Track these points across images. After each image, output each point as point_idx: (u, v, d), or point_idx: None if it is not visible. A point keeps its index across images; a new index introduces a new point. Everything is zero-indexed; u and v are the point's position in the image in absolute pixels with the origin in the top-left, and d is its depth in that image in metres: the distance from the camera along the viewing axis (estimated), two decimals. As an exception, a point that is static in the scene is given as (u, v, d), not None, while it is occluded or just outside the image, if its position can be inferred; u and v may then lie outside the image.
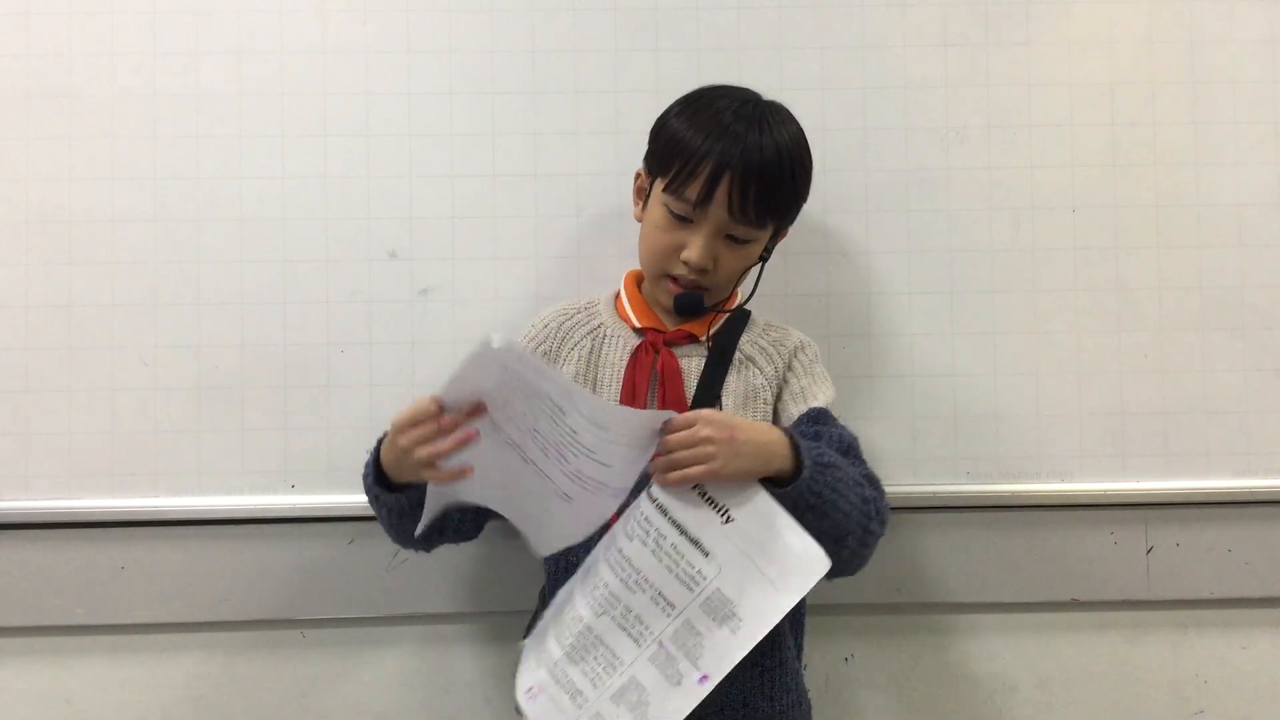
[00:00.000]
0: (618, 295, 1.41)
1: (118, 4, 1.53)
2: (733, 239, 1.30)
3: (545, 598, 1.34)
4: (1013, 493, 1.54)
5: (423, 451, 1.10)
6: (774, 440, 1.16)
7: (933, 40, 1.56)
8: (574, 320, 1.39)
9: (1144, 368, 1.56)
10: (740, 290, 1.40)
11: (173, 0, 1.53)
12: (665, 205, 1.30)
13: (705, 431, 1.12)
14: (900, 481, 1.54)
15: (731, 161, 1.25)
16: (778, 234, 1.37)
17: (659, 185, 1.31)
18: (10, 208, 1.52)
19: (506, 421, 1.08)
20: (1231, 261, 1.56)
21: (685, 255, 1.29)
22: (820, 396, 1.35)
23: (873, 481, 1.26)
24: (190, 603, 1.51)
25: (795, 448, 1.16)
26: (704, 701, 1.24)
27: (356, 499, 1.50)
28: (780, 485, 1.14)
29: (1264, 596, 1.56)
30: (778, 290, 1.55)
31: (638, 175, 1.38)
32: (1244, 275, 1.56)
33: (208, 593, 1.51)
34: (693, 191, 1.27)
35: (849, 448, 1.29)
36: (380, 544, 1.51)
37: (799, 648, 1.37)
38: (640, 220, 1.37)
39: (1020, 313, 1.56)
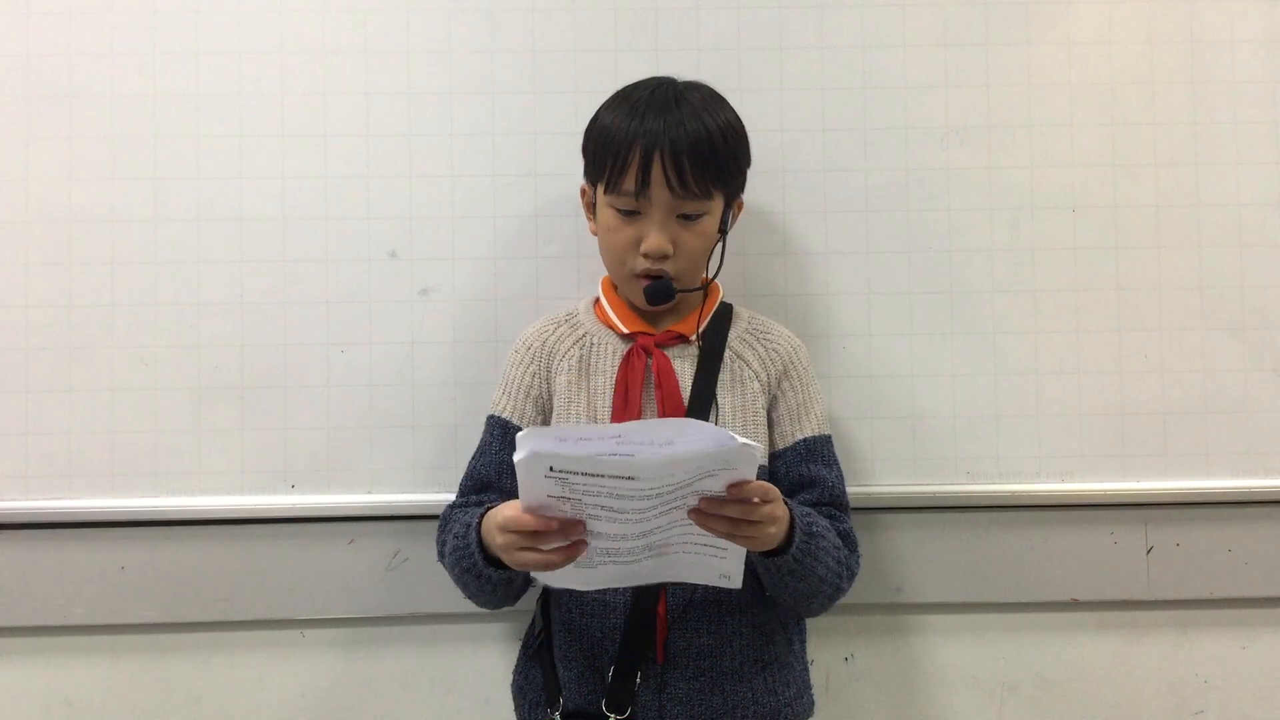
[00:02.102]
0: (597, 302, 1.40)
1: (118, 4, 1.53)
2: (685, 218, 1.30)
3: (544, 606, 1.35)
4: (1013, 493, 1.54)
5: (529, 557, 1.10)
6: (786, 521, 1.18)
7: (933, 40, 1.56)
8: (557, 334, 1.38)
9: (1144, 368, 1.56)
10: (705, 275, 1.38)
11: (173, 0, 1.53)
12: (610, 206, 1.31)
13: (779, 511, 1.13)
14: (900, 481, 1.54)
15: (658, 141, 1.26)
16: (730, 205, 1.35)
17: (600, 190, 1.32)
18: (10, 208, 1.52)
19: (596, 514, 1.08)
20: (1231, 261, 1.56)
21: (644, 246, 1.29)
22: (815, 417, 1.36)
23: (849, 541, 1.32)
24: (190, 603, 1.51)
25: (792, 522, 1.18)
26: (708, 699, 1.25)
27: (356, 499, 1.52)
28: (769, 553, 1.18)
29: (1264, 596, 1.56)
30: (778, 290, 1.55)
31: (583, 191, 1.39)
32: (1244, 275, 1.56)
33: (208, 593, 1.51)
34: (630, 182, 1.27)
35: (837, 499, 1.34)
36: (380, 544, 1.52)
37: (802, 644, 1.38)
38: (596, 233, 1.37)
39: (1020, 313, 1.55)
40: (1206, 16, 1.57)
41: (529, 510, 1.08)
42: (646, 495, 1.05)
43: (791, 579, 1.21)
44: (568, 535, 1.09)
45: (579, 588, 1.20)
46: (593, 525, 1.09)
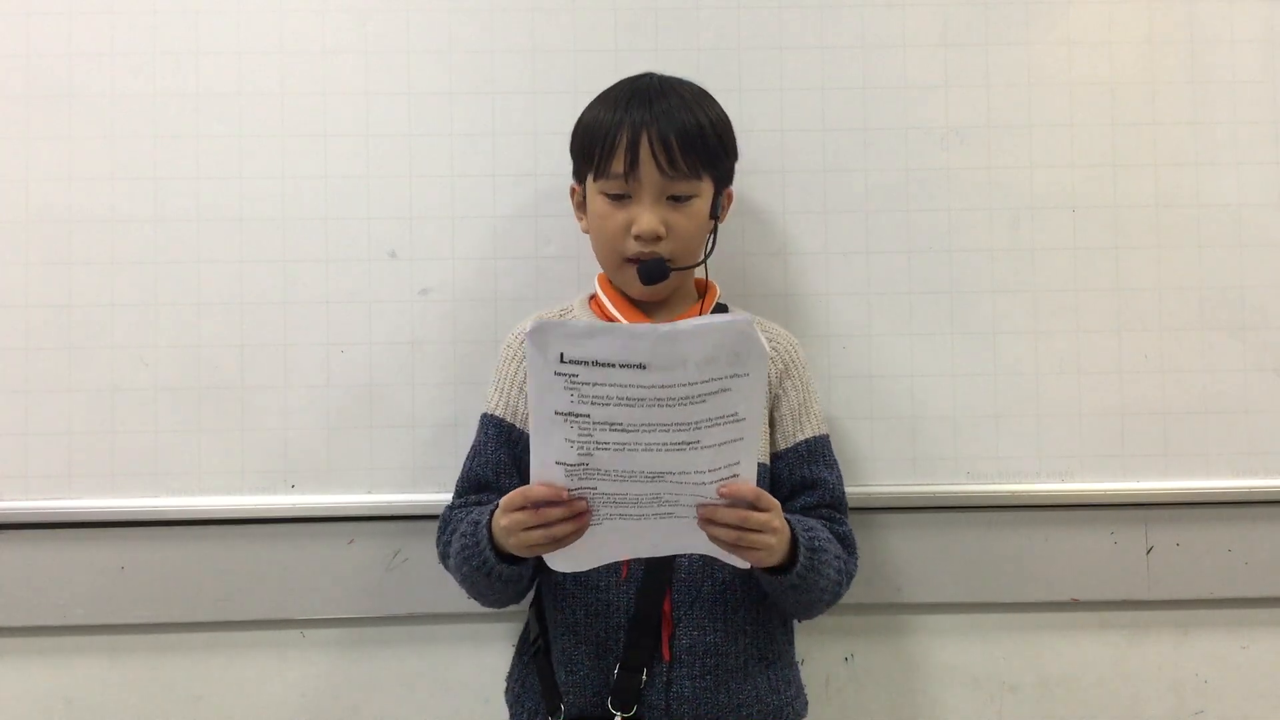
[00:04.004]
0: (593, 299, 1.39)
1: (118, 4, 1.53)
2: (675, 199, 1.29)
3: (539, 612, 1.34)
4: (1013, 493, 1.54)
5: (535, 535, 1.10)
6: (787, 535, 1.18)
7: (933, 40, 1.56)
8: None
9: (1144, 368, 1.56)
10: (696, 269, 1.38)
11: (173, 0, 1.53)
12: (600, 193, 1.31)
13: (777, 523, 1.13)
14: (900, 481, 1.54)
15: (645, 122, 1.27)
16: (720, 192, 1.35)
17: (590, 180, 1.32)
18: (10, 208, 1.52)
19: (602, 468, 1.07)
20: (1231, 261, 1.56)
21: (636, 228, 1.28)
22: (814, 417, 1.37)
23: (848, 544, 1.33)
24: (190, 603, 1.51)
25: (794, 541, 1.19)
26: (714, 697, 1.26)
27: (356, 499, 1.52)
28: (772, 570, 1.19)
29: (1264, 596, 1.56)
30: (778, 290, 1.55)
31: (573, 191, 1.39)
32: (1244, 275, 1.56)
33: (208, 593, 1.51)
34: (619, 164, 1.27)
35: (836, 501, 1.35)
36: (380, 544, 1.52)
37: (790, 642, 1.37)
38: (588, 231, 1.36)
39: (1020, 313, 1.55)
40: (1206, 16, 1.57)
41: (540, 483, 1.08)
42: (658, 399, 1.03)
43: (794, 593, 1.21)
44: (573, 509, 1.08)
45: (585, 565, 1.17)
46: (600, 460, 1.06)
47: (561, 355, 1.02)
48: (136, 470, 1.51)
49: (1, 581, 1.50)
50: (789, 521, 1.19)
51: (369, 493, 1.52)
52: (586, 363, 1.02)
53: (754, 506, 1.10)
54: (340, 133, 1.54)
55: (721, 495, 1.08)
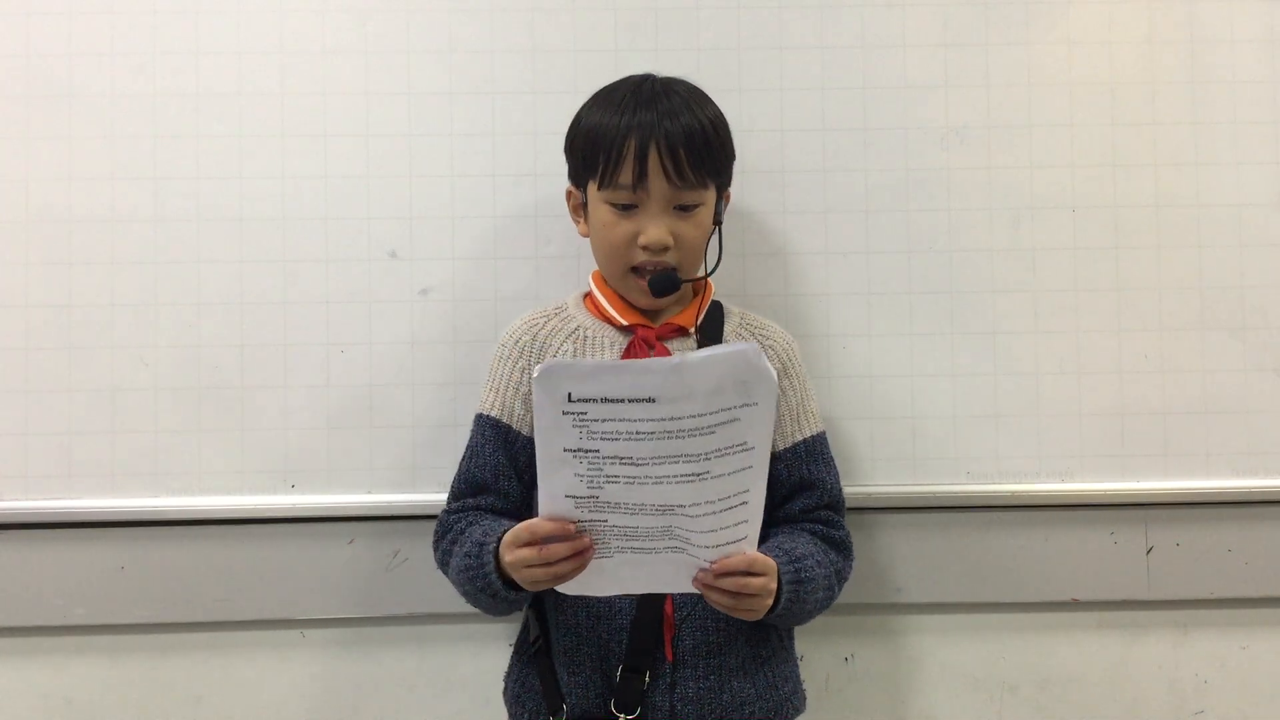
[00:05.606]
0: (588, 296, 1.39)
1: (118, 4, 1.53)
2: (682, 209, 1.29)
3: (539, 612, 1.34)
4: (1013, 493, 1.54)
5: (539, 573, 1.11)
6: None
7: (933, 40, 1.56)
8: (548, 327, 1.36)
9: (1144, 368, 1.56)
10: (705, 266, 1.38)
11: (173, 0, 1.53)
12: (606, 202, 1.29)
13: (773, 585, 1.15)
14: (900, 481, 1.54)
15: (653, 132, 1.25)
16: (721, 196, 1.35)
17: (592, 188, 1.31)
18: (10, 208, 1.52)
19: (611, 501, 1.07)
20: (1231, 261, 1.56)
21: (643, 240, 1.28)
22: (812, 415, 1.37)
23: (843, 548, 1.33)
24: (190, 603, 1.51)
25: (779, 583, 1.20)
26: (718, 697, 1.26)
27: (356, 499, 1.52)
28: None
29: (1264, 596, 1.56)
30: (778, 290, 1.55)
31: (569, 194, 1.38)
32: (1244, 275, 1.56)
33: (208, 593, 1.51)
34: (626, 175, 1.26)
35: (834, 501, 1.35)
36: (380, 544, 1.52)
37: (791, 639, 1.37)
38: (587, 235, 1.36)
39: (1020, 313, 1.55)
40: (1206, 16, 1.57)
41: (548, 517, 1.08)
42: (667, 431, 1.03)
43: (780, 619, 1.23)
44: (577, 545, 1.09)
45: (598, 593, 1.18)
46: (610, 493, 1.06)
47: (570, 395, 1.02)
48: (136, 470, 1.51)
49: (1, 581, 1.50)
50: (776, 558, 1.20)
51: (369, 493, 1.52)
52: (595, 400, 1.02)
53: (749, 572, 1.12)
54: (340, 133, 1.54)
55: (715, 570, 1.10)
